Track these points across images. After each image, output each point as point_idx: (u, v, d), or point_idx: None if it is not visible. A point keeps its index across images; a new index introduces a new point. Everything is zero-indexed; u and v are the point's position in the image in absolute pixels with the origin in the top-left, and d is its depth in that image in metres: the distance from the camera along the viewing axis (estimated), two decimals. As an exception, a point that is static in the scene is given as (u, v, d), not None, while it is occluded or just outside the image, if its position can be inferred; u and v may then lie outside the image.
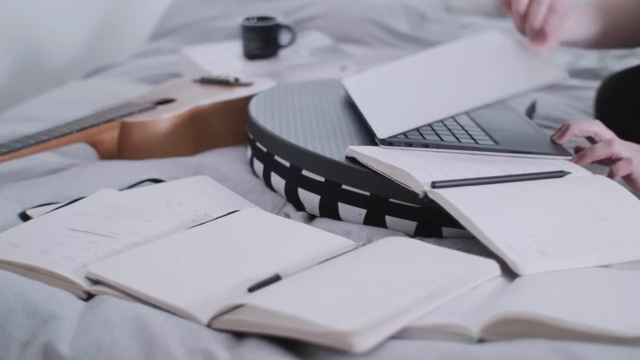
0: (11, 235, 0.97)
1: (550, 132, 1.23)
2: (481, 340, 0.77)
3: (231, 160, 1.28)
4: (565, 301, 0.80)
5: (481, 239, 0.89)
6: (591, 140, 1.14)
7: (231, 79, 1.48)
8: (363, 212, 1.04)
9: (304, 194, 1.10)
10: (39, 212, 1.05)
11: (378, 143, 1.08)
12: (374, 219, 1.04)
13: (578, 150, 1.13)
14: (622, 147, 1.07)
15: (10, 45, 2.14)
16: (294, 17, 2.13)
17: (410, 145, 1.08)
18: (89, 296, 0.88)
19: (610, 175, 1.06)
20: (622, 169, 1.06)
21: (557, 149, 1.11)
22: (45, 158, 1.29)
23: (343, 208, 1.06)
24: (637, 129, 1.33)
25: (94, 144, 1.28)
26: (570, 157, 1.10)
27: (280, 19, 1.80)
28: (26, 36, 2.19)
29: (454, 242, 0.99)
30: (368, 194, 1.03)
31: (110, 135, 1.28)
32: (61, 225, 0.99)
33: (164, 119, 1.31)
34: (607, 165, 1.08)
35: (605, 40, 1.33)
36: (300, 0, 2.21)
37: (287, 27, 1.78)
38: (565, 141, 1.12)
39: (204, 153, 1.33)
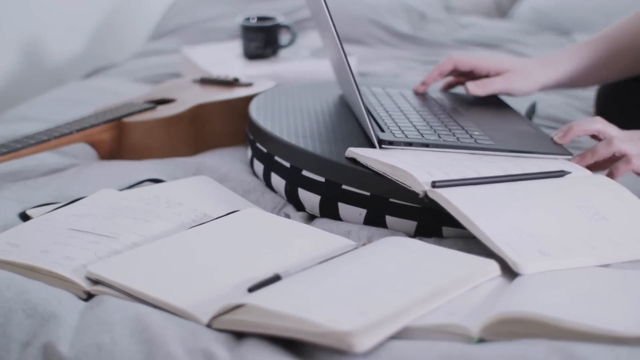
0: (11, 235, 0.97)
1: (550, 132, 1.23)
2: (481, 340, 0.77)
3: (231, 160, 1.28)
4: (565, 301, 0.80)
5: (481, 238, 0.89)
6: (596, 138, 1.14)
7: (231, 79, 1.48)
8: (363, 212, 1.04)
9: (304, 194, 1.10)
10: (39, 212, 1.05)
11: (377, 143, 1.08)
12: (374, 219, 1.04)
13: None
14: (623, 143, 1.07)
15: (10, 45, 2.14)
16: (294, 17, 2.13)
17: (410, 145, 1.08)
18: (89, 296, 0.88)
19: (610, 175, 1.06)
20: (621, 170, 1.06)
21: (557, 149, 1.11)
22: (45, 158, 1.29)
23: (343, 208, 1.06)
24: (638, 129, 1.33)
25: (94, 144, 1.28)
26: (570, 157, 1.10)
27: (280, 19, 1.80)
28: (26, 36, 2.19)
29: (454, 242, 0.99)
30: (368, 194, 1.03)
31: (110, 135, 1.28)
32: (61, 225, 0.99)
33: (164, 119, 1.31)
34: (610, 163, 1.08)
35: (607, 70, 1.33)
36: (300, 0, 2.21)
37: (287, 27, 1.78)
38: (567, 142, 1.12)
39: (204, 153, 1.33)
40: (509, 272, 0.87)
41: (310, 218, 1.10)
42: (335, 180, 1.06)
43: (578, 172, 1.06)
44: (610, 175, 1.06)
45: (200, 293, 0.84)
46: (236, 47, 1.84)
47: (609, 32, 1.34)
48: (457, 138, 1.11)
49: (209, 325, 0.81)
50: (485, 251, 0.89)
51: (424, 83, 1.37)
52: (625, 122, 1.31)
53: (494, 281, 0.86)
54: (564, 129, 1.12)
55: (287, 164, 1.12)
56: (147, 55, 2.10)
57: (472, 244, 0.95)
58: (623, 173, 1.06)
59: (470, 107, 1.30)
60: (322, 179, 1.07)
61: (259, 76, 1.57)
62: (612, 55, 1.32)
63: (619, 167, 1.06)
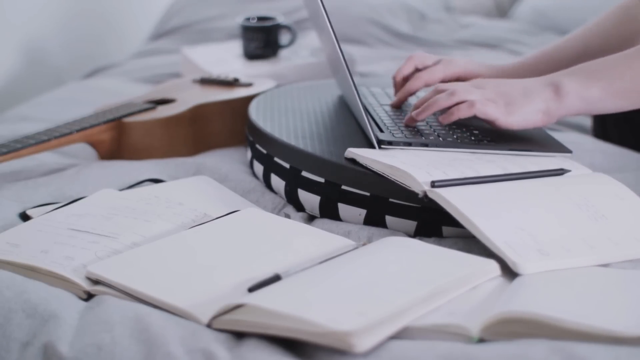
0: (11, 235, 0.97)
1: (548, 131, 1.23)
2: (481, 340, 0.77)
3: (231, 160, 1.28)
4: (565, 301, 0.80)
5: (481, 238, 0.89)
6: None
7: (231, 79, 1.48)
8: (363, 212, 1.04)
9: (304, 195, 1.10)
10: (39, 212, 1.05)
11: (376, 144, 1.08)
12: (374, 219, 1.04)
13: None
14: (467, 93, 1.07)
15: (10, 45, 2.14)
16: (294, 17, 2.13)
17: (409, 145, 1.08)
18: (89, 296, 0.88)
19: (449, 114, 1.07)
20: (463, 111, 1.06)
21: (556, 147, 1.11)
22: (45, 158, 1.29)
23: (343, 208, 1.06)
24: (634, 132, 1.33)
25: (94, 144, 1.28)
26: (570, 154, 1.10)
27: (280, 19, 1.80)
28: (26, 36, 2.19)
29: (454, 242, 0.99)
30: (368, 194, 1.03)
31: (110, 135, 1.28)
32: (61, 225, 0.99)
33: (164, 119, 1.31)
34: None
35: None
36: (300, 0, 2.21)
37: (287, 27, 1.78)
38: (423, 118, 1.10)
39: (204, 153, 1.33)
40: (509, 272, 0.87)
41: (310, 218, 1.10)
42: (334, 181, 1.06)
43: (578, 170, 1.06)
44: (449, 113, 1.07)
45: (200, 293, 0.84)
46: (236, 47, 1.84)
47: (580, 35, 1.33)
48: (456, 138, 1.11)
49: (209, 325, 0.81)
50: (485, 251, 0.89)
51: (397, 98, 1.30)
52: (621, 126, 1.31)
53: (494, 281, 0.86)
54: (424, 106, 1.10)
55: (287, 165, 1.12)
56: (147, 55, 2.10)
57: (472, 244, 0.95)
58: (464, 115, 1.06)
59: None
60: (321, 180, 1.07)
61: (259, 76, 1.57)
62: (581, 59, 1.31)
63: (461, 109, 1.06)
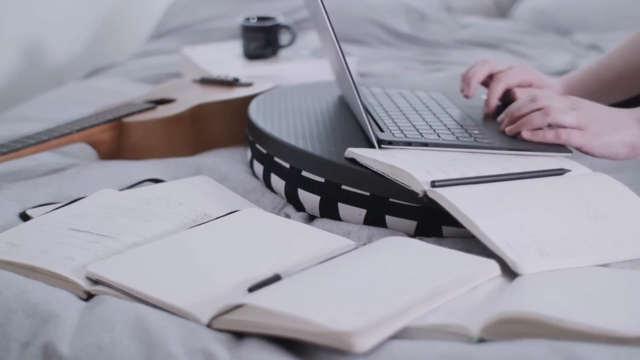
0: (11, 235, 0.97)
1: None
2: (481, 340, 0.77)
3: (231, 160, 1.28)
4: (565, 301, 0.80)
5: (481, 238, 0.89)
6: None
7: (231, 79, 1.48)
8: (363, 212, 1.04)
9: (304, 195, 1.10)
10: (39, 212, 1.05)
11: (376, 143, 1.08)
12: (374, 219, 1.04)
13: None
14: (562, 114, 1.08)
15: (10, 45, 2.14)
16: (294, 17, 2.13)
17: (409, 144, 1.08)
18: (89, 296, 0.88)
19: (534, 136, 1.09)
20: (547, 138, 1.08)
21: (557, 147, 1.11)
22: (45, 158, 1.29)
23: (343, 208, 1.06)
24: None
25: (94, 144, 1.28)
26: (570, 154, 1.10)
27: (280, 19, 1.80)
28: (26, 36, 2.19)
29: (454, 242, 0.99)
30: (368, 194, 1.03)
31: (110, 135, 1.28)
32: (61, 225, 0.99)
33: (164, 118, 1.31)
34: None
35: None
36: (300, 0, 2.21)
37: (287, 27, 1.78)
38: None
39: (204, 153, 1.34)
40: (509, 272, 0.87)
41: (310, 218, 1.10)
42: (335, 181, 1.06)
43: (578, 170, 1.06)
44: (534, 134, 1.09)
45: (200, 293, 0.84)
46: (236, 47, 1.84)
47: (621, 51, 1.32)
48: (457, 137, 1.11)
49: (209, 325, 0.81)
50: (485, 251, 0.89)
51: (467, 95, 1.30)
52: None
53: (494, 281, 0.86)
54: (518, 124, 1.11)
55: (287, 165, 1.12)
56: (147, 55, 2.10)
57: (472, 243, 0.95)
58: (548, 140, 1.09)
59: (469, 106, 1.30)
60: (321, 180, 1.07)
61: (259, 76, 1.57)
62: (625, 76, 1.31)
63: (547, 135, 1.09)
